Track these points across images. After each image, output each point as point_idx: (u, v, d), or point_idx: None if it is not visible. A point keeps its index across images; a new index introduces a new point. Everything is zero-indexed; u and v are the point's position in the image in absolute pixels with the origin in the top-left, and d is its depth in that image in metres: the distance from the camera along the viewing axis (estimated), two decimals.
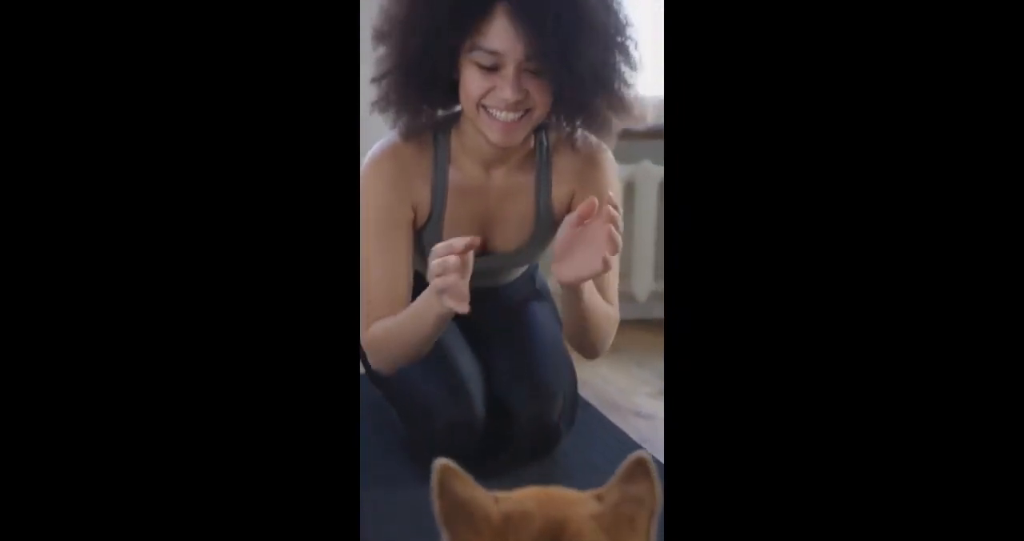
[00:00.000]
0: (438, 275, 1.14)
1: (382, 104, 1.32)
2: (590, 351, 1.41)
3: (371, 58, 1.30)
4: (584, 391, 1.70)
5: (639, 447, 1.31)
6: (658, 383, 1.93)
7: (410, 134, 1.35)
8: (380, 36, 1.30)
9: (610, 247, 1.14)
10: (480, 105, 1.26)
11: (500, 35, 1.21)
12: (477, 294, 1.32)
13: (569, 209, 1.40)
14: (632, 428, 1.71)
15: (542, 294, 1.66)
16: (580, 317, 1.32)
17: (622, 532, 0.64)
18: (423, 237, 1.41)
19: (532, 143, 1.40)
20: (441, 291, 1.16)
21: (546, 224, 1.44)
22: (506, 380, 1.47)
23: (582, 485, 0.69)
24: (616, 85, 1.29)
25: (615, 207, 1.15)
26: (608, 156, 1.43)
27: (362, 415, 1.12)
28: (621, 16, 1.28)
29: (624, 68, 1.29)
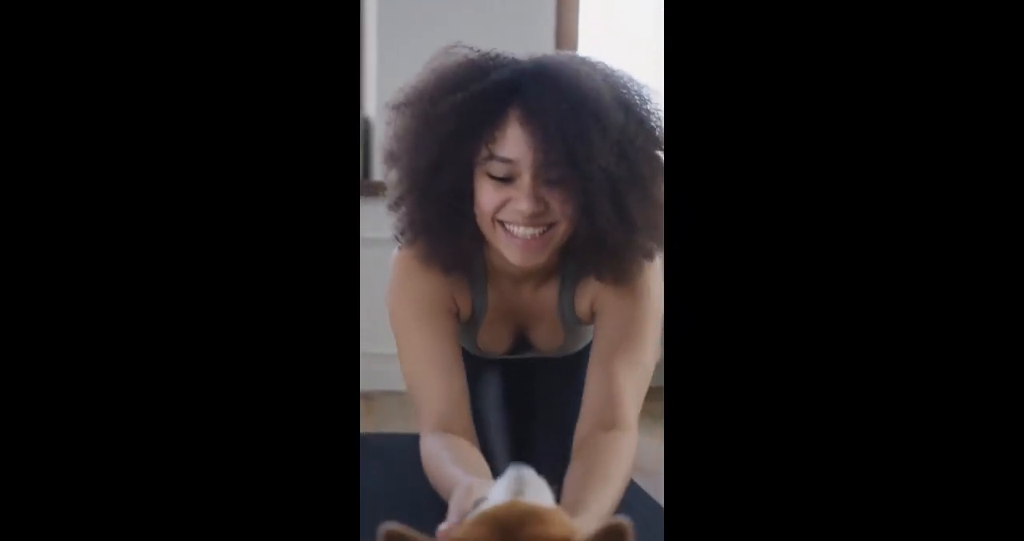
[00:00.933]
0: None
1: (408, 236, 1.20)
2: None
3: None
4: None
5: (657, 504, 1.24)
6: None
7: (433, 263, 1.22)
8: (391, 158, 1.18)
9: None
10: (496, 220, 1.13)
11: (512, 142, 1.09)
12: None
13: (593, 314, 1.28)
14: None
15: None
16: None
17: None
18: (466, 327, 1.33)
19: (557, 258, 1.23)
20: None
21: (576, 331, 1.35)
22: (544, 454, 1.34)
23: None
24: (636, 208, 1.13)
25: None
26: (650, 269, 1.22)
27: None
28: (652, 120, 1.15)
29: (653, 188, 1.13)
